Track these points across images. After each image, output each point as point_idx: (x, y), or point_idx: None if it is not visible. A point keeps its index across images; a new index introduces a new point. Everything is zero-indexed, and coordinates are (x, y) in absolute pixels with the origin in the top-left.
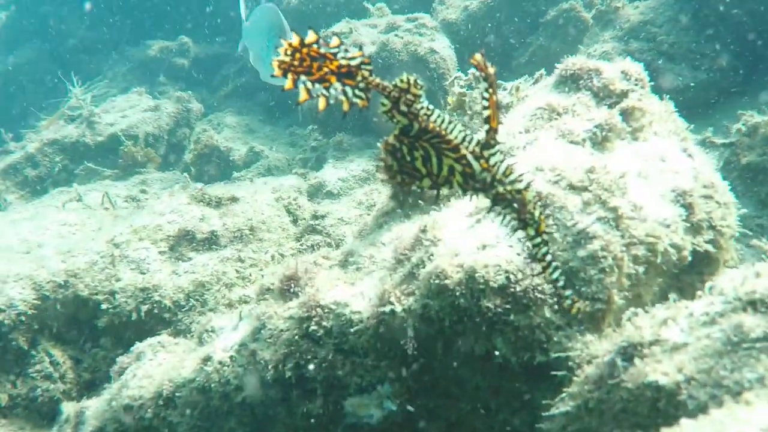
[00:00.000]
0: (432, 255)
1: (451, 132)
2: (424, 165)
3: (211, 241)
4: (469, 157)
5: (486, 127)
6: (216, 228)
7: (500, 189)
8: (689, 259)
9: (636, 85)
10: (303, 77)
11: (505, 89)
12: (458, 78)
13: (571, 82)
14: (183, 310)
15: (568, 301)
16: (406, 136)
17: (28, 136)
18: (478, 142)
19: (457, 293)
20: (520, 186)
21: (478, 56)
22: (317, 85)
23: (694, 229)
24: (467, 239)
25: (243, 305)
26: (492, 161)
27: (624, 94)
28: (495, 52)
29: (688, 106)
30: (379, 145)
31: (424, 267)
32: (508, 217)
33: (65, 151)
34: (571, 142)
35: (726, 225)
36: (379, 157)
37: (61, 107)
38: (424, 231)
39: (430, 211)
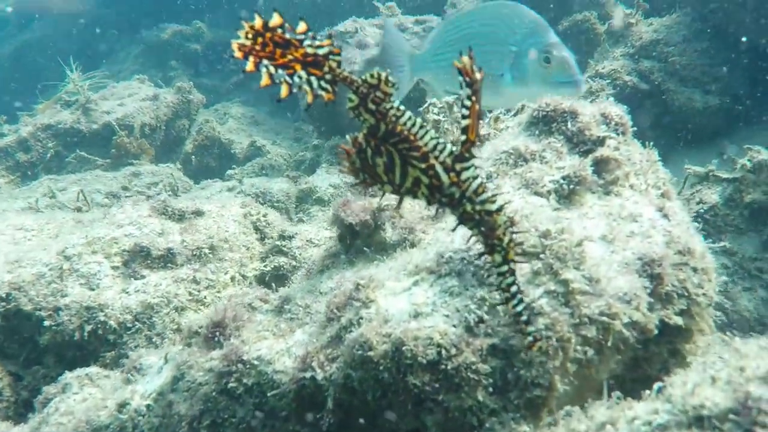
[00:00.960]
0: (361, 318)
1: (422, 138)
2: (385, 173)
3: (167, 259)
4: (438, 168)
5: (463, 137)
6: (174, 245)
7: (468, 207)
8: (656, 331)
9: (616, 130)
10: (265, 61)
11: (485, 117)
12: (433, 104)
13: (544, 124)
14: (129, 332)
15: (530, 338)
16: (373, 137)
17: (23, 119)
18: (451, 153)
19: (381, 367)
20: (492, 207)
21: (465, 59)
22: (280, 71)
23: (663, 300)
24: (401, 303)
25: (170, 346)
26: (464, 176)
27: (601, 141)
28: None
29: (696, 131)
30: (347, 137)
31: (351, 331)
32: (473, 239)
33: (59, 136)
34: (536, 193)
35: (702, 293)
36: (342, 149)
37: (59, 92)
38: (357, 288)
39: (374, 261)
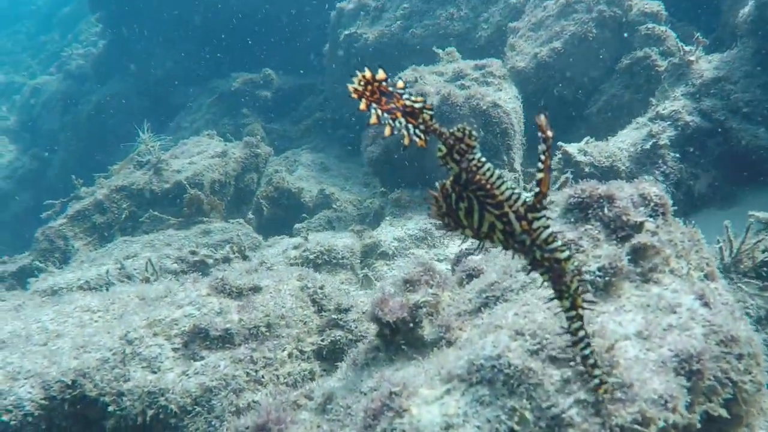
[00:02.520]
0: (395, 430)
1: (498, 187)
2: (465, 217)
3: (225, 339)
4: (511, 216)
5: (536, 189)
6: (231, 325)
7: (538, 255)
8: (698, 426)
9: (655, 210)
10: (374, 105)
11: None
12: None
13: (579, 210)
14: (189, 416)
15: (596, 381)
16: (458, 185)
17: (98, 181)
18: (525, 203)
19: None
20: (561, 256)
21: (542, 117)
22: (386, 115)
23: (705, 393)
24: (433, 414)
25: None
26: (535, 225)
27: (639, 226)
28: (565, 100)
29: (764, 169)
30: (436, 184)
31: None
32: (545, 284)
33: (132, 197)
34: None
35: (749, 380)
36: (430, 194)
37: (132, 152)
38: (392, 397)
39: (412, 360)
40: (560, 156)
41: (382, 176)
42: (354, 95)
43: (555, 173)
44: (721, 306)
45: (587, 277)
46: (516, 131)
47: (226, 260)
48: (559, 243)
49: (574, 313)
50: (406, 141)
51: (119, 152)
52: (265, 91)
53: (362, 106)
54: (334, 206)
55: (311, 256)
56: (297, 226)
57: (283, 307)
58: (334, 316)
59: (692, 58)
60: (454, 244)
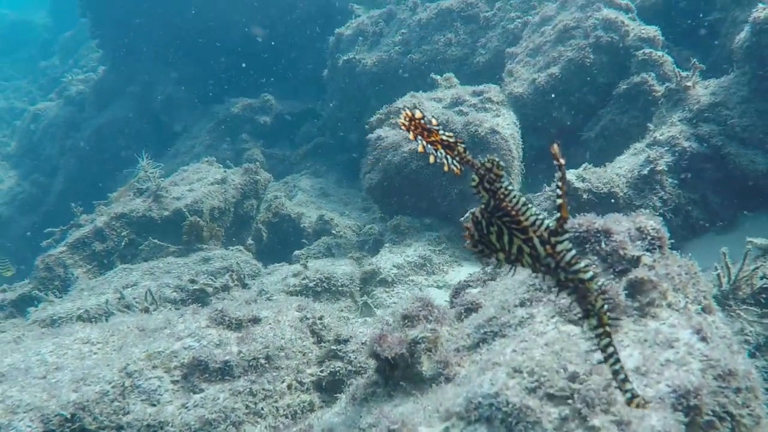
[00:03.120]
0: None
1: (524, 214)
2: (498, 240)
3: (224, 372)
4: (536, 240)
5: (557, 215)
6: (230, 357)
7: (562, 276)
8: None
9: (652, 244)
10: (420, 137)
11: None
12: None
13: (577, 245)
14: None
15: (628, 395)
16: (487, 212)
17: (98, 208)
18: (548, 228)
19: None
20: (585, 276)
21: (555, 147)
22: (429, 146)
23: (703, 429)
24: None
25: None
26: (558, 248)
27: (636, 261)
28: (563, 125)
29: (762, 194)
30: (468, 214)
31: None
32: (572, 302)
33: (132, 224)
34: (570, 321)
35: (747, 413)
36: (464, 225)
37: (131, 179)
38: None
39: (410, 396)
40: (567, 178)
41: (381, 203)
42: (403, 128)
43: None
44: (719, 339)
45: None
46: (514, 157)
47: (226, 289)
48: (582, 264)
49: (601, 330)
50: (445, 168)
51: (120, 178)
52: (264, 117)
53: (411, 136)
54: (334, 232)
55: (311, 284)
56: (296, 253)
57: (282, 338)
58: (333, 347)
59: (689, 84)
60: (454, 271)
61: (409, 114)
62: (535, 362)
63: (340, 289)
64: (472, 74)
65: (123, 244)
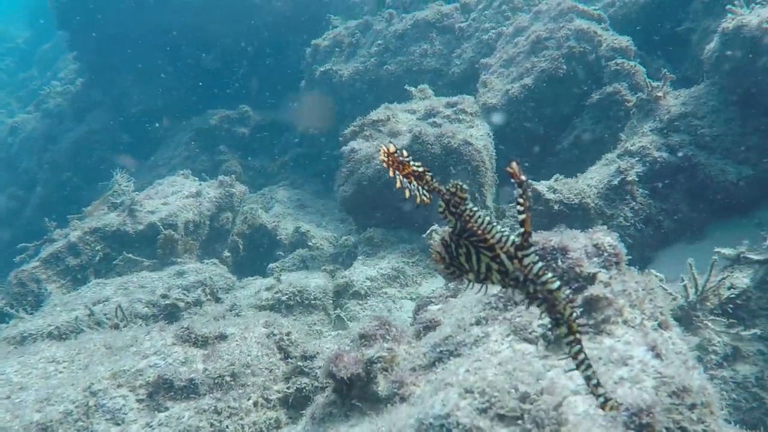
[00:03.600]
0: None
1: (490, 232)
2: (467, 261)
3: (189, 390)
4: (503, 256)
5: (521, 230)
6: (196, 375)
7: (531, 288)
8: None
9: (609, 260)
10: (397, 172)
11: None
12: (435, 230)
13: None
14: None
15: (601, 399)
16: (455, 234)
17: (72, 222)
18: (513, 243)
19: None
20: (553, 287)
21: (514, 165)
22: (404, 180)
23: None
24: None
25: None
26: (525, 261)
27: (592, 278)
28: (536, 136)
29: (732, 203)
30: (436, 237)
31: None
32: (542, 313)
33: (106, 239)
34: (525, 339)
35: (702, 428)
36: (432, 249)
37: (106, 192)
38: None
39: (366, 416)
40: (530, 194)
41: (355, 215)
42: (385, 165)
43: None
44: (674, 356)
45: (539, 331)
46: (487, 168)
47: (198, 303)
48: (549, 275)
49: (572, 338)
50: (418, 200)
51: (98, 190)
52: (242, 128)
53: (391, 173)
54: (310, 244)
55: (283, 298)
56: (271, 265)
57: (248, 354)
58: (300, 363)
59: (660, 94)
60: (427, 283)
61: (386, 150)
62: (486, 382)
63: (312, 302)
64: (447, 85)
65: (97, 258)
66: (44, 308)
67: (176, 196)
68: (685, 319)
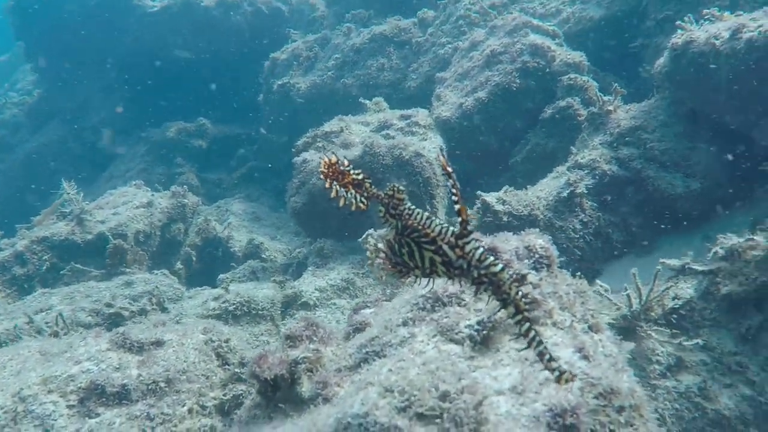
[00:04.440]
0: None
1: (429, 226)
2: (410, 258)
3: (122, 396)
4: (445, 247)
5: (459, 219)
6: (129, 381)
7: (475, 273)
8: None
9: (540, 262)
10: (335, 183)
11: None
12: (370, 235)
13: None
14: None
15: (556, 374)
16: (398, 234)
17: (20, 232)
18: (453, 233)
19: None
20: (496, 269)
21: (441, 157)
22: (341, 189)
23: None
24: None
25: None
26: (467, 249)
27: (522, 279)
28: (490, 149)
29: (680, 216)
30: (381, 244)
31: None
32: (490, 298)
33: (54, 248)
34: (452, 340)
35: (631, 431)
36: (380, 250)
37: (55, 202)
38: None
39: (288, 417)
40: (479, 205)
41: (306, 226)
42: (323, 178)
43: (474, 222)
44: (603, 358)
45: (465, 332)
46: (439, 180)
47: (143, 313)
48: (492, 258)
49: (520, 316)
50: (353, 207)
51: (52, 201)
52: (199, 141)
53: (327, 185)
54: (264, 256)
55: (231, 308)
56: (221, 276)
57: (185, 361)
58: (237, 370)
59: (611, 108)
60: (376, 293)
61: (327, 161)
62: (407, 381)
63: (260, 312)
64: (404, 99)
65: (44, 268)
66: None
67: (127, 206)
68: (629, 328)
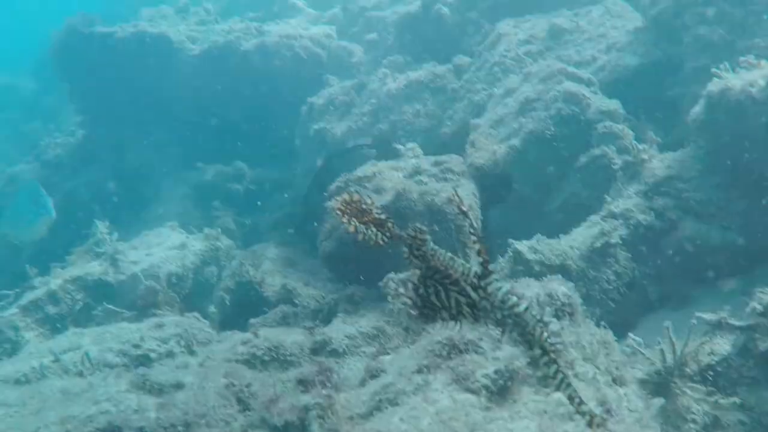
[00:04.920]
0: None
1: (452, 267)
2: (438, 299)
3: None
4: (468, 288)
5: (480, 259)
6: (147, 423)
7: (499, 315)
8: None
9: (563, 310)
10: (353, 219)
11: None
12: (391, 279)
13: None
14: None
15: (587, 417)
16: (422, 276)
17: (54, 271)
18: (476, 274)
19: None
20: (519, 309)
21: (456, 197)
22: (360, 225)
23: None
24: None
25: None
26: (489, 289)
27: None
28: (524, 198)
29: (716, 270)
30: (405, 287)
31: None
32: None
33: (87, 288)
34: (467, 389)
35: None
36: (397, 295)
37: (89, 241)
38: None
39: None
40: (511, 254)
41: (337, 272)
42: (339, 212)
43: (505, 271)
44: (627, 413)
45: (482, 381)
46: (474, 228)
47: (171, 355)
48: (515, 299)
49: (546, 358)
50: (372, 244)
51: (87, 240)
52: (236, 184)
53: (342, 219)
54: (296, 301)
55: (259, 353)
56: (252, 321)
57: (204, 405)
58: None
59: (645, 157)
60: (398, 340)
61: (347, 198)
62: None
63: (288, 358)
64: (438, 145)
65: (77, 308)
66: (20, 355)
67: (161, 248)
68: (663, 384)
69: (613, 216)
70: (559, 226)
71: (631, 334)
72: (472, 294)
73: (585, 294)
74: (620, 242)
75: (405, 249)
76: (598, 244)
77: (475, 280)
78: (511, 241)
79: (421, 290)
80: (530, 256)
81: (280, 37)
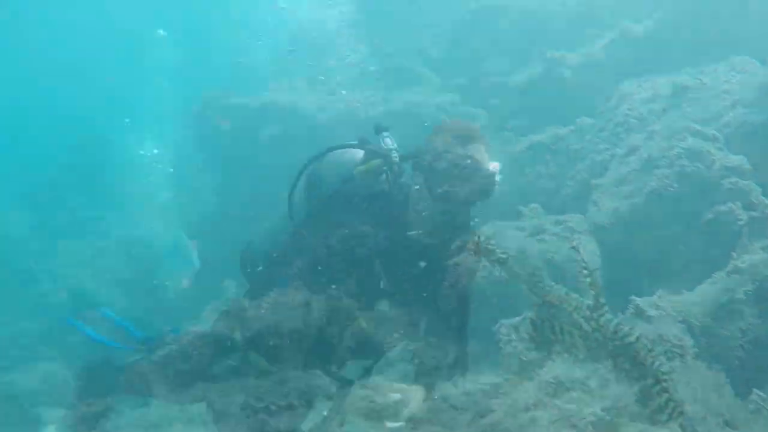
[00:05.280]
0: None
1: (567, 301)
2: (553, 332)
3: None
4: (581, 321)
5: (593, 292)
6: None
7: (611, 346)
8: None
9: (673, 352)
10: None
11: None
12: (502, 324)
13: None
14: None
15: None
16: (537, 313)
17: (185, 329)
18: (588, 306)
19: None
20: (631, 339)
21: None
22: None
23: None
24: None
25: None
26: (601, 321)
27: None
28: (647, 254)
29: None
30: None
31: None
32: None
33: (215, 345)
34: (574, 426)
35: None
36: (525, 332)
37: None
38: None
39: None
40: (632, 311)
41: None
42: (469, 249)
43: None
44: None
45: (589, 418)
46: (595, 284)
47: (291, 408)
48: (627, 329)
49: (659, 387)
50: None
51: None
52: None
53: (474, 255)
54: (416, 361)
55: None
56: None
57: None
58: None
59: None
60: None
61: (477, 239)
62: None
63: None
64: (559, 205)
65: (204, 364)
66: (149, 408)
67: (285, 306)
68: None
69: (739, 272)
70: (681, 283)
71: (756, 390)
72: (585, 325)
73: (707, 349)
74: (745, 298)
75: (524, 286)
76: (722, 300)
77: (588, 313)
78: (632, 297)
79: (539, 325)
80: (652, 312)
81: (405, 104)
